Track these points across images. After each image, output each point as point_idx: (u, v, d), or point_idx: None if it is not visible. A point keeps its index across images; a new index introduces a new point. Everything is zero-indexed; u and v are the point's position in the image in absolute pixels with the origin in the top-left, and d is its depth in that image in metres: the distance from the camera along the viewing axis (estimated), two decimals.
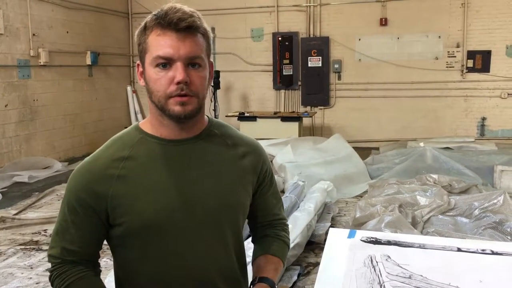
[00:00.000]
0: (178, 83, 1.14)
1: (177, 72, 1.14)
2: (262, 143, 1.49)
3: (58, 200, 5.91)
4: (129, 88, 10.39)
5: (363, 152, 7.61)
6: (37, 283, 3.60)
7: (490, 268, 1.59)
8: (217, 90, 8.97)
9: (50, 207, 5.61)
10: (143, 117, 10.46)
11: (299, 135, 8.13)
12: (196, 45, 1.16)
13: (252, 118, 8.26)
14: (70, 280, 1.21)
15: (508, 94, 8.49)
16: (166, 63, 1.15)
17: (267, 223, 1.45)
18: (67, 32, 8.51)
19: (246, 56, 9.67)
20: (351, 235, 1.82)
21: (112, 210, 1.20)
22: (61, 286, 1.22)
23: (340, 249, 1.73)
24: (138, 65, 1.23)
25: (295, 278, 3.59)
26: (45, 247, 4.31)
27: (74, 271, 1.22)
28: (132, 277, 1.26)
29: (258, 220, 1.44)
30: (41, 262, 3.99)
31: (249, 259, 1.44)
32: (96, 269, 1.28)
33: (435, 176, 5.34)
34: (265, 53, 9.63)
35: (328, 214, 4.98)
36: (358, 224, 4.23)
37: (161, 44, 1.14)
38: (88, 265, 1.25)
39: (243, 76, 9.67)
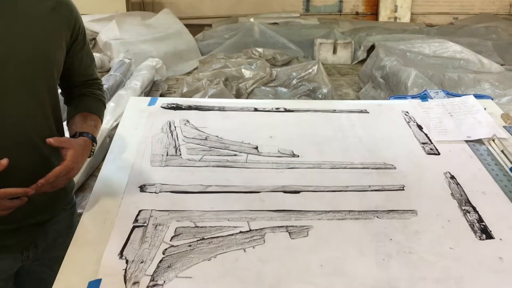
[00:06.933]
0: None
1: None
2: (84, 18, 1.37)
3: None
4: None
5: (196, 29, 7.41)
6: None
7: (281, 124, 1.68)
8: None
9: None
10: None
11: (127, 11, 7.56)
12: None
13: None
14: None
15: None
16: None
17: (82, 83, 1.38)
18: None
19: None
20: (151, 103, 1.76)
21: None
22: None
23: (139, 117, 1.66)
24: None
25: None
26: None
27: None
28: None
29: (73, 79, 1.36)
30: None
31: None
32: None
33: (260, 49, 5.50)
34: None
35: (156, 92, 4.87)
36: None
37: None
38: None
39: None
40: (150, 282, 1.02)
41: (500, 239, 1.16)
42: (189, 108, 1.73)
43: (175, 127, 1.61)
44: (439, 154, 1.51)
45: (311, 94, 4.31)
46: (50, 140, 1.14)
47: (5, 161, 1.06)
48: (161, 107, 1.72)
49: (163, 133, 1.57)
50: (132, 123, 1.63)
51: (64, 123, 1.35)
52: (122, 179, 1.35)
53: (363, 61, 6.20)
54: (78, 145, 1.20)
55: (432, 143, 1.56)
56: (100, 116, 1.38)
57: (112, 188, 1.32)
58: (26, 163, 1.17)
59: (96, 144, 1.29)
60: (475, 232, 1.19)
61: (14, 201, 1.09)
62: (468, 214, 1.25)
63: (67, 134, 1.32)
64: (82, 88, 1.38)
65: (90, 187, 2.99)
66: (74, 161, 1.16)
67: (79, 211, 1.48)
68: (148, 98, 1.78)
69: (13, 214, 1.11)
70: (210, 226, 1.18)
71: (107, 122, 3.53)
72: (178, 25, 6.78)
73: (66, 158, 1.15)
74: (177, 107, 1.73)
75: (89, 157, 1.27)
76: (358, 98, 5.09)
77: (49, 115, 1.23)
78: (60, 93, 1.37)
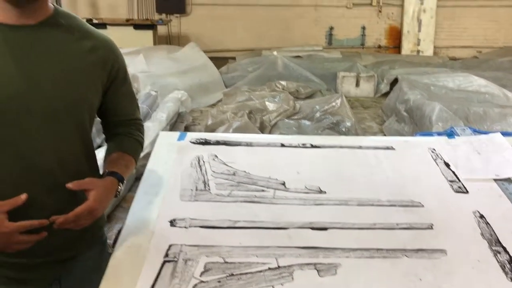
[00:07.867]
0: None
1: None
2: None
3: None
4: None
5: (220, 62, 7.58)
6: None
7: (308, 160, 1.70)
8: None
9: None
10: None
11: (154, 44, 7.78)
12: None
13: (102, 25, 7.60)
14: None
15: (353, 4, 8.96)
16: None
17: (121, 122, 1.39)
18: None
19: None
20: (181, 138, 1.81)
21: None
22: None
23: (168, 152, 1.71)
24: None
25: None
26: None
27: None
28: None
29: (111, 119, 1.38)
30: None
31: None
32: None
33: (283, 82, 5.58)
34: None
35: (181, 124, 4.96)
36: (210, 131, 4.28)
37: None
38: None
39: None
40: None
41: None
42: (217, 143, 1.77)
43: (203, 162, 1.64)
44: (467, 192, 1.50)
45: (335, 127, 4.34)
46: (69, 185, 1.15)
47: (24, 196, 1.08)
48: (190, 142, 1.77)
49: (192, 168, 1.61)
50: (162, 158, 1.67)
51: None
52: (152, 214, 1.38)
53: (386, 94, 6.21)
54: (103, 185, 1.21)
55: (460, 181, 1.56)
56: (135, 157, 1.38)
57: (143, 222, 1.35)
58: (50, 198, 1.18)
59: (123, 184, 1.28)
60: (506, 273, 1.17)
61: (32, 235, 1.09)
62: (498, 254, 1.23)
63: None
64: (121, 127, 1.38)
65: (116, 217, 3.03)
66: (97, 201, 1.16)
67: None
68: (178, 133, 1.83)
69: (35, 249, 1.12)
70: (239, 262, 1.20)
71: None
72: (203, 58, 6.94)
73: (90, 198, 1.16)
74: (206, 142, 1.77)
75: (116, 196, 1.27)
76: (382, 132, 5.09)
77: (77, 151, 1.24)
78: (103, 132, 1.42)
